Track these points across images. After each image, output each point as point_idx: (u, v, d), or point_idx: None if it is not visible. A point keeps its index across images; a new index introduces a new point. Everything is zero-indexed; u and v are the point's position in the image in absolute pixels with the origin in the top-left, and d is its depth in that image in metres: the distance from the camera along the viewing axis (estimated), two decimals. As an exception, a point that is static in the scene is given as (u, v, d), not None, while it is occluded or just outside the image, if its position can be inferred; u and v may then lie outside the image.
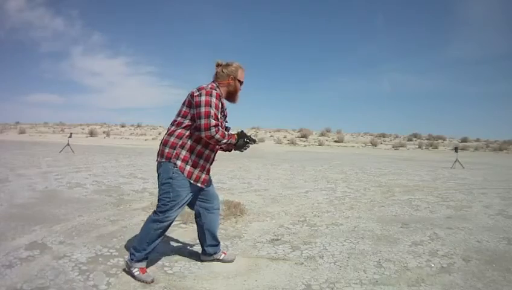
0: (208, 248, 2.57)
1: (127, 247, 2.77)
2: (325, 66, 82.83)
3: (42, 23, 76.76)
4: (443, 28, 76.16)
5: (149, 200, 4.63)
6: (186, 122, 2.23)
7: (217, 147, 2.33)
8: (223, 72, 2.36)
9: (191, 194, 2.29)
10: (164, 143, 2.26)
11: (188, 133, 2.23)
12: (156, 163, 2.29)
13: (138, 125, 43.79)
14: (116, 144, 23.07)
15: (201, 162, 2.27)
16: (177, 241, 3.05)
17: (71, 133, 15.18)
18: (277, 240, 3.18)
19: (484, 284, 2.32)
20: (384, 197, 5.51)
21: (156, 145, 2.99)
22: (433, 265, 2.63)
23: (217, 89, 2.28)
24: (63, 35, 79.74)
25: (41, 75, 77.65)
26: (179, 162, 2.19)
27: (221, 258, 2.60)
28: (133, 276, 2.23)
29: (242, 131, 2.34)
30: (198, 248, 2.72)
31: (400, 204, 4.98)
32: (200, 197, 2.45)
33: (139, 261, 2.25)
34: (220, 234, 2.76)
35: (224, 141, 2.21)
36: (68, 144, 13.27)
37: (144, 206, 4.34)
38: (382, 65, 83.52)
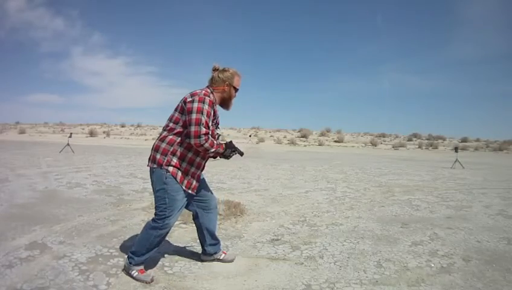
0: (208, 248, 2.57)
1: (127, 247, 2.77)
2: (325, 66, 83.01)
3: (42, 23, 76.93)
4: (443, 28, 76.37)
5: (149, 200, 4.63)
6: (178, 128, 2.21)
7: (208, 154, 2.30)
8: (218, 77, 2.32)
9: (186, 198, 2.28)
10: (156, 149, 2.24)
11: (179, 140, 2.21)
12: (149, 168, 2.28)
13: (138, 125, 43.81)
14: (116, 144, 23.06)
15: (193, 169, 2.26)
16: (177, 241, 3.05)
17: (71, 133, 15.17)
18: (277, 240, 3.18)
19: (484, 284, 2.32)
20: (384, 197, 5.51)
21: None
22: (433, 265, 2.63)
23: (211, 96, 2.24)
24: (63, 35, 79.95)
25: (41, 75, 77.83)
26: (171, 168, 2.18)
27: (221, 258, 2.60)
28: (132, 277, 2.23)
29: (231, 142, 2.34)
30: (198, 248, 2.73)
31: (399, 204, 4.98)
32: (196, 198, 2.44)
33: (137, 265, 2.26)
34: (220, 234, 2.76)
35: (213, 150, 2.20)
36: (68, 144, 13.26)
37: (143, 206, 4.34)
38: (382, 65, 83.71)
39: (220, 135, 2.40)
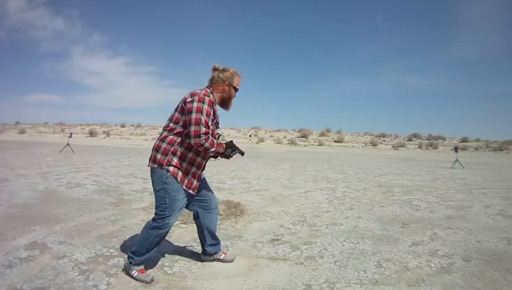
0: (208, 248, 2.57)
1: (127, 247, 2.77)
2: (325, 66, 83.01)
3: (42, 23, 76.96)
4: (443, 28, 76.38)
5: (149, 200, 4.63)
6: (178, 128, 2.22)
7: (209, 154, 2.30)
8: (218, 77, 2.32)
9: (186, 198, 2.28)
10: (156, 149, 2.25)
11: (179, 140, 2.21)
12: (149, 168, 2.28)
13: (138, 125, 43.75)
14: (116, 144, 23.06)
15: (193, 169, 2.26)
16: (177, 241, 3.05)
17: (71, 133, 15.15)
18: (277, 240, 3.18)
19: (484, 284, 2.32)
20: (384, 197, 5.51)
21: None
22: (433, 265, 2.63)
23: (210, 96, 2.24)
24: (63, 35, 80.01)
25: (41, 75, 77.84)
26: (171, 168, 2.19)
27: (221, 258, 2.60)
28: (132, 277, 2.23)
29: (231, 141, 2.35)
30: (198, 248, 2.73)
31: (399, 204, 4.98)
32: (197, 198, 2.44)
33: (137, 264, 2.26)
34: (220, 234, 2.76)
35: (213, 149, 2.20)
36: (68, 144, 13.26)
37: (144, 206, 4.34)
38: (382, 65, 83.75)
39: (220, 135, 2.40)
